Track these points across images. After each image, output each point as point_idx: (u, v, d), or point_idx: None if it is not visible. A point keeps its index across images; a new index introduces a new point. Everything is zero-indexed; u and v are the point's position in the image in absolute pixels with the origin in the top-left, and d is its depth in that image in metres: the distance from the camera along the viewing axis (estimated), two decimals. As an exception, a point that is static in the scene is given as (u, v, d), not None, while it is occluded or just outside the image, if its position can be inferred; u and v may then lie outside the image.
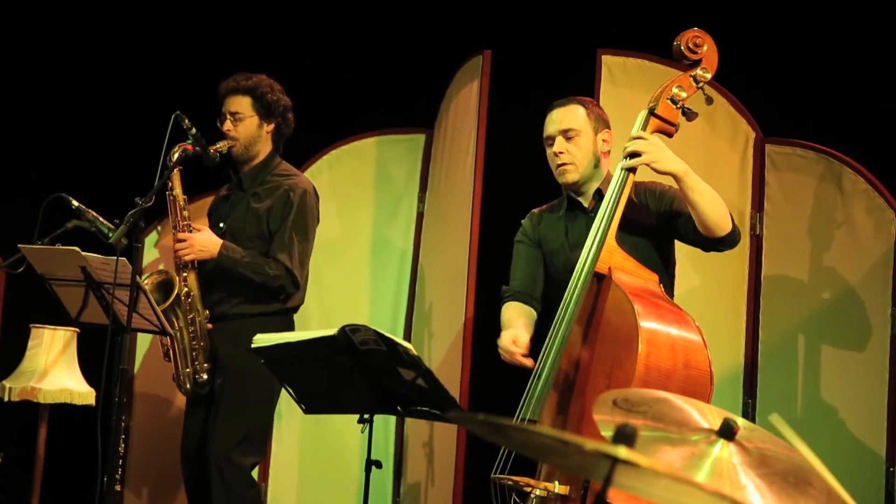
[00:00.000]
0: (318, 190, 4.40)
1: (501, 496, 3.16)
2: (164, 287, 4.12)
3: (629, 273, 3.19)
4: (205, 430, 4.16)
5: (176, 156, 4.01)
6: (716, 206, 3.27)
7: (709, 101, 3.40)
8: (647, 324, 3.01)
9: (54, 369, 4.33)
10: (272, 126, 4.32)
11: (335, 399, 3.50)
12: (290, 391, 3.49)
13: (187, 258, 4.13)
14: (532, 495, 3.10)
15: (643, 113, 3.35)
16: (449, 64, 4.89)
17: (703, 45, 3.37)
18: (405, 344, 3.23)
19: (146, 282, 4.03)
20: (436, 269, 4.85)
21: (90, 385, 4.42)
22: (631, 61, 4.54)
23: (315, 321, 4.68)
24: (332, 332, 3.23)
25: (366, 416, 3.35)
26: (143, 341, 4.78)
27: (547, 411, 3.18)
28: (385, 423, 4.83)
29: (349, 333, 3.19)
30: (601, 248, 3.20)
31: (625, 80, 4.51)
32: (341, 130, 5.06)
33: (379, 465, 3.42)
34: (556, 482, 3.02)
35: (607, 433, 1.84)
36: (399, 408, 3.40)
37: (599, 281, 3.19)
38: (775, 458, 1.92)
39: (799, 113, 4.67)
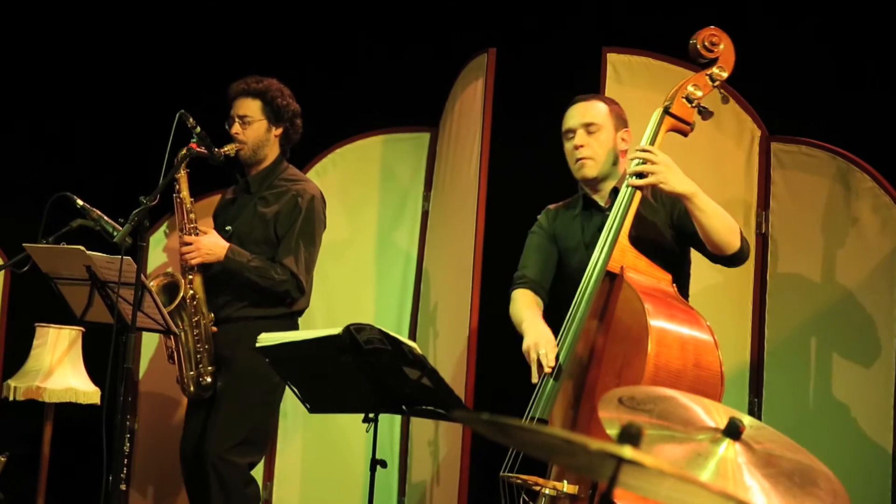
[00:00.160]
0: (323, 188, 4.41)
1: (510, 495, 3.15)
2: (170, 289, 4.13)
3: (641, 272, 3.17)
4: (204, 430, 4.16)
5: (183, 157, 4.02)
6: (725, 226, 3.24)
7: (724, 99, 3.39)
8: (658, 323, 3.00)
9: (59, 369, 4.33)
10: (280, 130, 4.32)
11: (340, 398, 3.50)
12: (295, 390, 3.49)
13: (193, 261, 4.13)
14: (541, 494, 3.09)
15: (658, 112, 3.34)
16: (454, 62, 4.89)
17: (719, 44, 3.36)
18: (410, 343, 3.22)
19: (152, 284, 4.03)
20: (441, 268, 4.84)
21: (95, 384, 4.42)
22: (636, 59, 4.53)
23: (320, 320, 4.68)
24: (336, 331, 3.22)
25: (371, 415, 3.34)
26: (149, 341, 4.78)
27: (557, 410, 3.16)
28: (390, 423, 4.82)
29: (354, 332, 3.19)
30: (613, 248, 3.19)
31: (630, 78, 4.51)
32: (346, 129, 5.05)
33: (384, 464, 3.41)
34: (566, 481, 3.01)
35: (612, 431, 1.83)
36: (404, 407, 3.40)
37: (612, 280, 3.18)
38: (781, 457, 1.91)
39: (805, 111, 4.66)
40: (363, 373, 3.27)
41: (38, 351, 4.34)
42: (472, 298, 4.41)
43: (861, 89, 4.63)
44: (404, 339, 3.24)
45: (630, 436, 1.56)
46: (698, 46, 3.36)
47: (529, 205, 3.80)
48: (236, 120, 4.27)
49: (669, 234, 3.44)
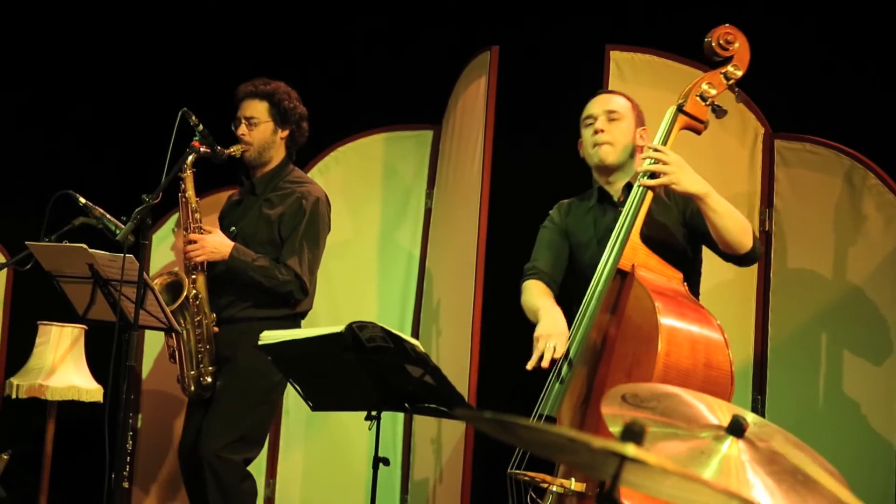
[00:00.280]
0: (326, 187, 4.40)
1: (517, 492, 3.14)
2: (173, 288, 4.12)
3: (653, 270, 3.16)
4: (202, 429, 4.16)
5: (188, 158, 4.02)
6: (737, 226, 3.24)
7: (739, 98, 3.38)
8: (668, 321, 2.99)
9: (62, 366, 4.33)
10: (286, 133, 4.32)
11: (342, 396, 3.50)
12: (298, 388, 3.49)
13: (198, 259, 4.12)
14: (549, 492, 3.08)
15: (672, 110, 3.33)
16: (456, 60, 4.88)
17: (734, 42, 3.35)
18: (412, 341, 3.22)
19: (155, 283, 4.03)
20: (444, 266, 4.84)
21: (98, 382, 4.43)
22: (639, 57, 4.52)
23: (323, 317, 4.68)
24: (339, 328, 3.22)
25: (373, 413, 3.34)
26: (153, 339, 4.78)
27: (566, 408, 3.15)
28: (393, 421, 4.82)
29: (356, 330, 3.18)
30: (624, 246, 3.18)
31: (633, 75, 4.50)
32: (349, 127, 5.05)
33: (386, 462, 3.41)
34: (573, 479, 3.00)
35: (616, 429, 1.82)
36: (406, 405, 3.40)
37: (623, 278, 3.17)
38: (784, 455, 1.90)
39: (809, 108, 4.65)
40: (366, 370, 3.27)
41: (41, 349, 4.35)
42: (474, 296, 4.40)
43: (865, 87, 4.62)
44: (407, 336, 3.24)
45: (633, 433, 1.56)
46: (713, 45, 3.35)
47: (533, 202, 3.79)
48: (243, 121, 4.27)
49: (681, 233, 3.43)
